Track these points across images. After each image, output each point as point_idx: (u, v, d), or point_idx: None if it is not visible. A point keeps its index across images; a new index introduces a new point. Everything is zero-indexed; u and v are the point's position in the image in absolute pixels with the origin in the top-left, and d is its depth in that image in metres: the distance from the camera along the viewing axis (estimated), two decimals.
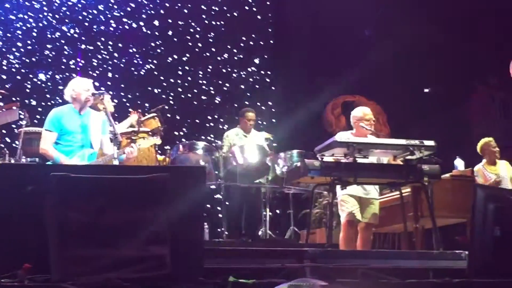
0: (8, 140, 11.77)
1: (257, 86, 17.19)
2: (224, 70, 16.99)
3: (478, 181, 10.11)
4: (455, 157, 10.48)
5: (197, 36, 16.81)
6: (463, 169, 10.21)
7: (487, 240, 5.04)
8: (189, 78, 16.52)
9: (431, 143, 7.64)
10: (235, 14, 17.30)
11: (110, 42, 15.93)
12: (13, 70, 14.85)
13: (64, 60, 15.39)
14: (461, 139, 16.21)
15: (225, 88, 16.88)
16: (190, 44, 16.69)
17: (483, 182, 10.06)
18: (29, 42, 15.11)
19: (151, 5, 16.46)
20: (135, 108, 11.12)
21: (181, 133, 15.81)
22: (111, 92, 11.49)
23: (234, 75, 17.09)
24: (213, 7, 17.08)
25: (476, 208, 5.09)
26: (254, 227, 11.41)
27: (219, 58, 16.98)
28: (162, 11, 16.50)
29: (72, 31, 15.58)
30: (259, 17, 17.74)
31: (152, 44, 16.37)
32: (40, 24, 15.28)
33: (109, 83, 15.23)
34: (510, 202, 5.07)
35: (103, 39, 15.89)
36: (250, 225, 11.27)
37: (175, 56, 16.48)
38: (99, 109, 8.47)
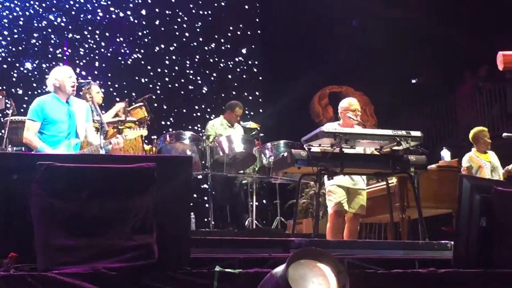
0: None
1: (244, 76, 17.19)
2: (211, 60, 16.97)
3: (469, 167, 10.10)
4: (441, 147, 10.50)
5: (185, 25, 16.78)
6: (450, 159, 10.22)
7: (473, 230, 5.05)
8: (176, 68, 16.50)
9: (417, 133, 7.65)
10: (222, 4, 17.27)
11: (97, 31, 15.88)
12: None
13: (51, 49, 15.34)
14: (447, 130, 16.29)
15: (212, 78, 16.87)
16: (177, 33, 16.66)
17: (477, 169, 10.09)
18: (15, 30, 15.04)
19: None
20: (122, 98, 11.12)
21: (168, 123, 15.81)
22: (97, 82, 11.46)
23: (221, 65, 17.08)
24: None
25: (462, 199, 5.11)
26: (240, 217, 11.43)
27: (206, 48, 16.96)
28: (149, 0, 16.44)
29: (58, 19, 15.51)
30: (246, 7, 17.73)
31: (139, 33, 16.33)
32: (27, 13, 15.20)
33: (96, 72, 15.19)
34: (496, 193, 5.09)
35: (90, 28, 15.83)
36: (237, 215, 11.29)
37: (162, 46, 16.45)
38: (87, 99, 8.41)
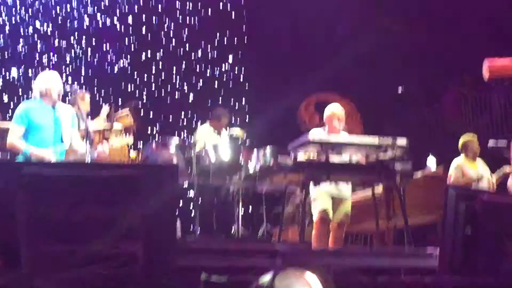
0: None
1: (230, 84, 17.19)
2: (197, 68, 16.96)
3: (456, 175, 10.11)
4: (427, 154, 10.52)
5: (171, 33, 16.77)
6: (435, 166, 10.25)
7: (458, 239, 5.07)
8: (162, 76, 16.48)
9: (403, 141, 7.67)
10: (209, 12, 17.26)
11: (84, 38, 15.85)
12: None
13: (37, 56, 15.31)
14: (433, 138, 16.32)
15: (198, 87, 16.85)
16: (163, 41, 16.65)
17: (461, 177, 10.10)
18: (1, 37, 15.01)
19: (125, 2, 16.38)
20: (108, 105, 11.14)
21: (154, 131, 15.78)
22: (84, 89, 11.47)
23: (208, 72, 17.07)
24: (187, 5, 17.02)
25: (448, 207, 5.12)
26: (226, 225, 11.41)
27: (192, 56, 16.95)
28: (136, 9, 16.42)
29: (45, 26, 15.48)
30: (233, 14, 17.73)
31: (126, 41, 16.31)
32: (13, 20, 15.17)
33: (82, 79, 15.17)
34: (481, 202, 5.11)
35: (76, 35, 15.80)
36: (223, 223, 11.27)
37: (149, 54, 16.44)
38: (74, 105, 8.38)
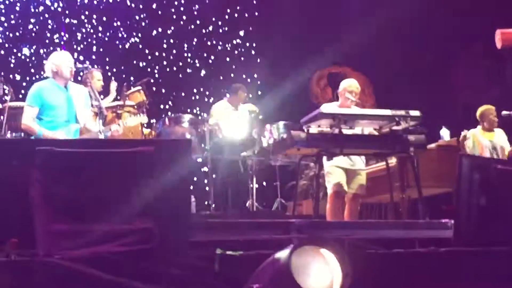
0: None
1: (242, 59, 17.12)
2: (209, 43, 16.90)
3: (468, 145, 10.09)
4: (440, 126, 10.49)
5: (182, 9, 16.70)
6: (449, 138, 10.23)
7: (472, 209, 5.07)
8: (174, 51, 16.44)
9: (416, 113, 7.65)
10: None
11: (94, 16, 15.81)
12: None
13: (48, 34, 15.28)
14: (446, 109, 16.26)
15: (210, 61, 16.81)
16: (174, 17, 16.60)
17: (474, 146, 10.09)
18: (12, 16, 14.98)
19: None
20: (120, 82, 11.15)
21: (167, 107, 15.78)
22: (96, 66, 11.47)
23: (219, 47, 17.01)
24: None
25: (462, 178, 5.11)
26: (241, 199, 11.44)
27: (204, 31, 16.89)
28: None
29: (55, 4, 15.45)
30: None
31: (137, 17, 16.26)
32: None
33: (93, 57, 15.16)
34: (496, 171, 5.09)
35: (87, 12, 15.76)
36: (237, 198, 11.30)
37: (160, 30, 16.39)
38: (86, 84, 8.39)
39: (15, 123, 9.20)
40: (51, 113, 7.51)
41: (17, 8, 15.03)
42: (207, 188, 11.40)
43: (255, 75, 16.86)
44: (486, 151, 10.08)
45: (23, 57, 14.94)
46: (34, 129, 7.46)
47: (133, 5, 16.20)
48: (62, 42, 15.17)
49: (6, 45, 14.80)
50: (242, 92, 11.36)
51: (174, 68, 16.32)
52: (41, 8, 15.29)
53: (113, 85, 11.05)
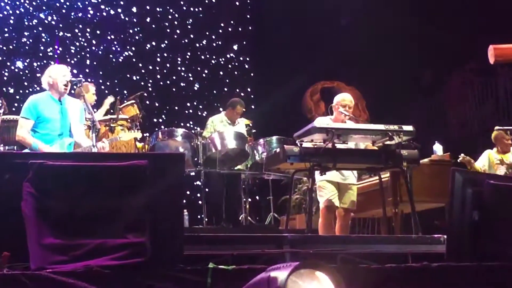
0: None
1: (236, 73, 17.18)
2: (202, 57, 16.95)
3: (483, 162, 10.25)
4: (433, 142, 10.52)
5: (175, 22, 16.77)
6: (442, 153, 10.25)
7: (465, 224, 5.06)
8: (167, 65, 16.49)
9: (409, 128, 7.67)
10: (213, 0, 17.25)
11: (88, 29, 15.85)
12: None
13: (42, 48, 15.32)
14: (439, 124, 16.30)
15: (204, 75, 16.85)
16: (168, 30, 16.65)
17: (488, 164, 10.23)
18: (6, 29, 15.00)
19: None
20: (113, 96, 11.15)
21: (160, 120, 15.80)
22: (89, 80, 11.47)
23: (212, 61, 17.06)
24: None
25: (454, 193, 5.11)
26: (234, 213, 11.44)
27: (197, 45, 16.94)
28: None
29: (49, 18, 15.47)
30: (237, 3, 17.71)
31: (130, 31, 16.30)
32: (17, 11, 15.16)
33: (87, 70, 15.18)
34: (488, 186, 5.09)
35: (81, 26, 15.80)
36: (230, 212, 11.29)
37: (154, 43, 16.44)
38: (79, 97, 8.39)
39: (8, 136, 9.20)
40: (45, 126, 7.51)
41: (11, 21, 15.04)
42: (200, 202, 11.40)
43: (248, 89, 16.91)
44: (501, 171, 10.20)
45: (16, 70, 14.94)
46: (29, 141, 7.45)
47: (127, 18, 16.23)
48: (55, 56, 15.19)
49: (0, 58, 14.79)
50: (240, 106, 11.32)
51: (168, 82, 16.36)
52: (35, 21, 15.32)
53: (108, 100, 11.05)
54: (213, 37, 17.12)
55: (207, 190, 10.98)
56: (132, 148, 10.17)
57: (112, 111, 10.90)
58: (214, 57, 17.06)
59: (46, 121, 7.50)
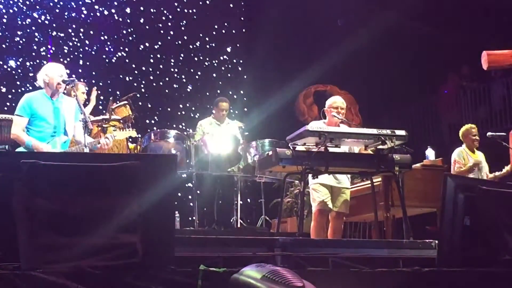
0: None
1: (229, 75, 17.16)
2: (196, 59, 16.93)
3: (460, 161, 10.16)
4: (426, 146, 10.53)
5: (169, 24, 16.73)
6: (434, 158, 10.25)
7: (457, 229, 5.07)
8: (160, 66, 16.46)
9: (402, 132, 7.67)
10: (207, 2, 17.24)
11: (82, 29, 15.79)
12: None
13: (35, 47, 15.25)
14: (432, 129, 16.34)
15: (197, 77, 16.83)
16: (161, 32, 16.62)
17: (465, 163, 10.14)
18: None
19: None
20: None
21: (153, 121, 15.76)
22: (82, 80, 11.45)
23: (206, 63, 17.05)
24: None
25: (446, 198, 5.12)
26: (225, 215, 11.42)
27: (191, 47, 16.92)
28: None
29: (42, 17, 15.42)
30: (231, 5, 17.71)
31: (124, 31, 16.26)
32: (11, 11, 15.09)
33: (80, 70, 15.12)
34: (480, 192, 5.10)
35: (74, 26, 15.74)
36: (222, 214, 11.27)
37: (147, 44, 16.41)
38: (71, 97, 8.38)
39: (0, 135, 9.17)
40: (40, 123, 7.50)
41: (4, 20, 14.98)
42: (191, 204, 11.37)
43: (241, 92, 16.90)
44: (475, 165, 10.16)
45: (9, 69, 14.88)
46: (23, 139, 7.44)
47: (120, 19, 16.20)
48: (48, 55, 15.14)
49: None
50: (222, 102, 11.23)
51: (161, 83, 16.32)
52: (28, 20, 15.25)
53: (94, 94, 11.05)
54: (207, 39, 17.09)
55: (198, 192, 10.96)
56: (124, 149, 10.15)
57: (104, 111, 10.88)
58: (207, 59, 17.04)
59: (40, 119, 7.49)
